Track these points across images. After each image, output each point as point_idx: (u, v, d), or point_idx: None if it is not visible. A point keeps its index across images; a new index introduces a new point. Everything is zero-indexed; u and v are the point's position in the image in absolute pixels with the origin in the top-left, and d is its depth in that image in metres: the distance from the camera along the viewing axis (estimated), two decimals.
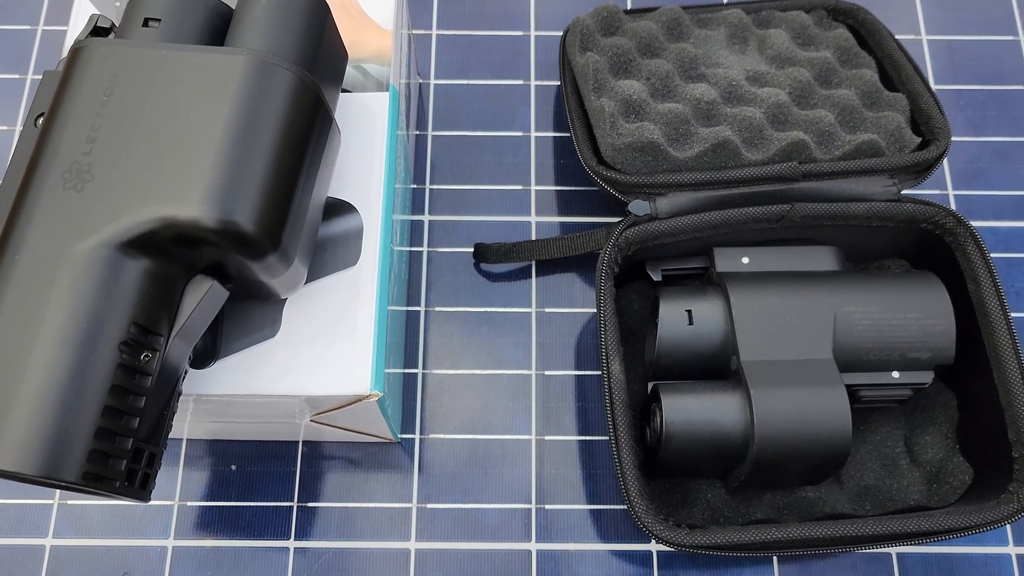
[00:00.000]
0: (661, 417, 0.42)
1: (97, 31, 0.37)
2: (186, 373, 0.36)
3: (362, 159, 0.42)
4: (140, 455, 0.33)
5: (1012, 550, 0.49)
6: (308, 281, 0.40)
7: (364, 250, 0.41)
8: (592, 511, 0.49)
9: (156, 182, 0.32)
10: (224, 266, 0.34)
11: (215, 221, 0.32)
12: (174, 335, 0.33)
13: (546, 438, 0.51)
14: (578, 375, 0.52)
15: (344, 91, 0.43)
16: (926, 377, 0.45)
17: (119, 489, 0.32)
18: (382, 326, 0.40)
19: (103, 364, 0.31)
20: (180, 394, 0.35)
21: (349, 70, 0.44)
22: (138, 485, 0.33)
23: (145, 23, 0.36)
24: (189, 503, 0.49)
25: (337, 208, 0.41)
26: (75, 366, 0.30)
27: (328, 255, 0.40)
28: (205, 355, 0.39)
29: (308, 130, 0.35)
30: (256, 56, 0.34)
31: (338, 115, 0.42)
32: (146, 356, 0.32)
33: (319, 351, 0.39)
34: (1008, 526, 0.49)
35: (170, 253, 0.33)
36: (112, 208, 0.32)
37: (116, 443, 0.31)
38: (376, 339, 0.39)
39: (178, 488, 0.49)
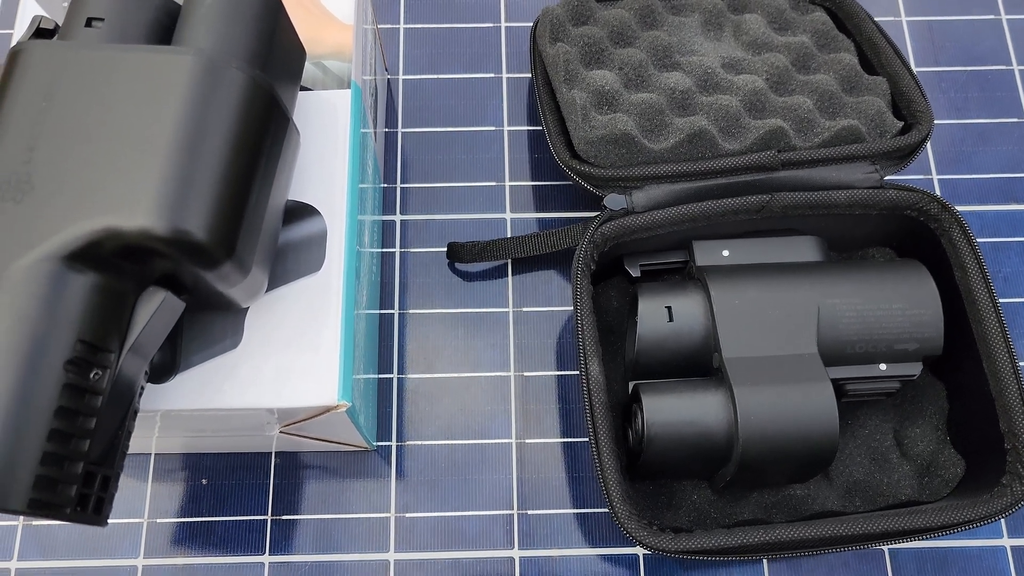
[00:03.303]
0: (642, 418, 0.41)
1: (40, 33, 0.35)
2: (143, 389, 0.34)
3: (324, 159, 0.40)
4: (92, 479, 0.31)
5: (1007, 542, 0.47)
6: (270, 289, 0.38)
7: (328, 254, 0.39)
8: (576, 515, 0.48)
9: (100, 191, 0.30)
10: (178, 277, 0.33)
11: (164, 230, 0.30)
12: (126, 351, 0.32)
13: (527, 441, 0.49)
14: (558, 375, 0.50)
15: (304, 89, 0.42)
16: (914, 369, 0.43)
17: (70, 516, 0.30)
18: (349, 333, 0.38)
19: (47, 385, 0.29)
20: (137, 412, 0.33)
21: (308, 67, 0.42)
22: (91, 510, 0.31)
23: (88, 23, 0.34)
24: (159, 520, 0.47)
25: (298, 212, 0.39)
26: (17, 388, 0.29)
27: (290, 261, 0.39)
28: (164, 369, 0.37)
29: (262, 132, 0.34)
30: (203, 55, 0.32)
31: (298, 115, 0.41)
32: (96, 374, 0.31)
33: (284, 361, 0.37)
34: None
35: (117, 266, 0.31)
36: (54, 220, 0.30)
37: (65, 468, 0.30)
38: (343, 346, 0.38)
39: (147, 505, 0.48)
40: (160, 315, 0.32)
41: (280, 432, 0.43)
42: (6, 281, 0.29)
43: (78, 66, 0.32)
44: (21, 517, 0.47)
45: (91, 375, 0.30)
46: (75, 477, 0.30)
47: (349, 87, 0.42)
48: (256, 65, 0.34)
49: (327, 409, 0.37)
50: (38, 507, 0.29)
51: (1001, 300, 0.52)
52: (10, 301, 0.29)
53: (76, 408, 0.30)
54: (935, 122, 0.56)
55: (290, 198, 0.39)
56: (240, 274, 0.33)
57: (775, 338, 0.42)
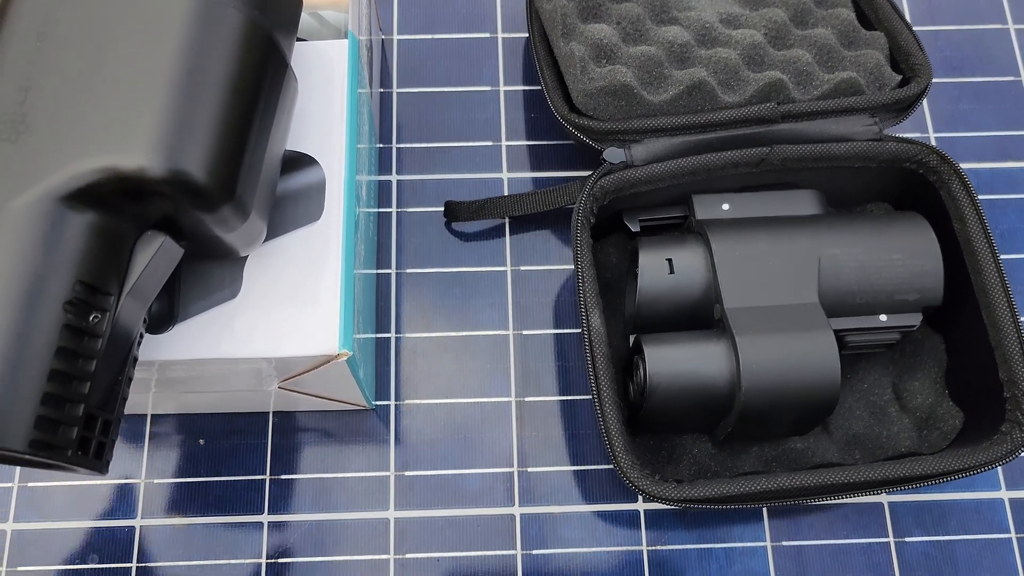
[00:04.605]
0: (644, 369, 0.41)
1: None
2: (141, 337, 0.33)
3: (322, 111, 0.40)
4: (93, 422, 0.31)
5: (1004, 494, 0.48)
6: (269, 238, 0.38)
7: (328, 205, 0.39)
8: (576, 472, 0.48)
9: (97, 130, 0.30)
10: (177, 220, 0.32)
11: (163, 170, 0.30)
12: (125, 294, 0.31)
13: (526, 399, 0.49)
14: (557, 334, 0.50)
15: (299, 39, 0.41)
16: (914, 319, 0.43)
17: (71, 458, 0.30)
18: (349, 283, 0.38)
19: (47, 325, 0.29)
20: (136, 359, 0.33)
21: (305, 18, 0.42)
22: (92, 454, 0.31)
23: None
24: (156, 481, 0.47)
25: (297, 161, 0.39)
26: (16, 327, 0.28)
27: (289, 210, 0.38)
28: (162, 319, 0.37)
29: (260, 74, 0.33)
30: None
31: (295, 65, 0.40)
32: (95, 317, 0.30)
33: (284, 311, 0.37)
34: (1000, 471, 0.48)
35: (116, 206, 0.30)
36: (51, 159, 0.30)
37: (66, 409, 0.29)
38: (343, 296, 0.37)
39: (144, 466, 0.47)
40: (158, 259, 0.32)
41: (278, 387, 0.42)
42: (3, 221, 0.29)
43: (72, 5, 0.32)
44: (16, 477, 0.47)
45: (90, 317, 0.30)
46: (76, 419, 0.30)
47: (346, 37, 0.41)
48: (254, 7, 0.34)
49: (328, 359, 0.37)
50: (39, 447, 0.28)
51: (1000, 256, 0.52)
52: (8, 241, 0.29)
53: (75, 349, 0.29)
54: (932, 80, 0.56)
55: (289, 148, 0.39)
56: (239, 218, 0.33)
57: (776, 288, 0.42)
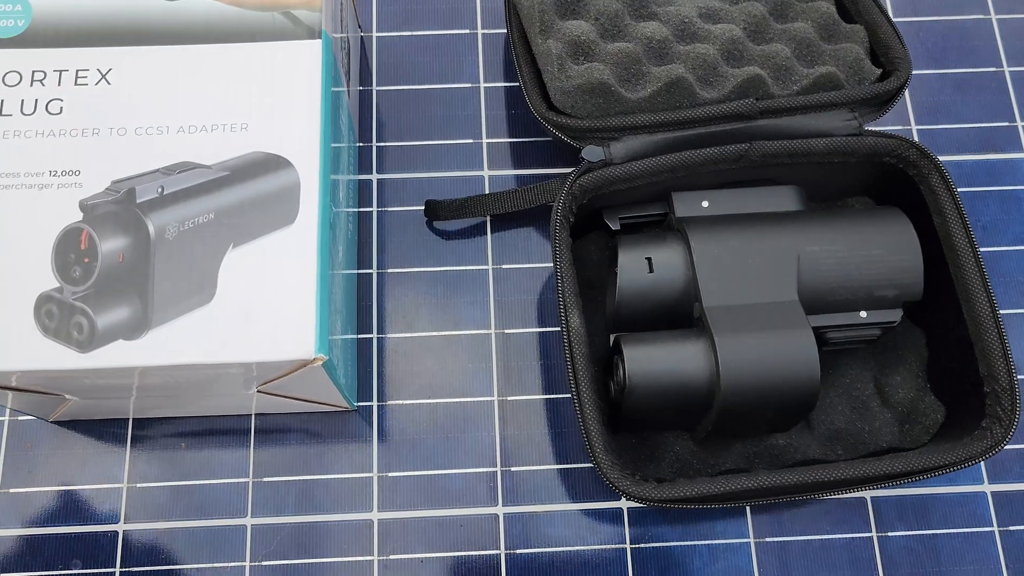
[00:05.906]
0: (623, 369, 0.41)
1: None
2: None
3: (296, 112, 0.40)
4: None
5: (987, 488, 0.48)
6: (243, 241, 0.37)
7: (303, 207, 0.38)
8: (559, 471, 0.48)
9: None
10: None
11: None
12: None
13: (509, 398, 0.49)
14: (539, 332, 0.50)
15: (274, 40, 0.41)
16: (895, 315, 0.43)
17: None
18: (324, 287, 0.38)
19: None
20: None
21: (278, 17, 0.41)
22: None
23: None
24: (139, 485, 0.47)
25: (271, 163, 0.39)
26: None
27: (264, 213, 0.38)
28: (136, 324, 0.36)
29: None
30: None
31: (267, 66, 0.40)
32: None
33: (259, 316, 0.37)
34: (982, 464, 0.48)
35: None
36: None
37: None
38: (319, 300, 0.37)
39: (126, 470, 0.47)
40: None
41: (258, 391, 0.42)
42: None
43: None
44: None
45: None
46: None
47: (319, 38, 0.41)
48: None
49: (304, 363, 0.37)
50: None
51: (981, 249, 0.52)
52: None
53: None
54: (914, 72, 0.56)
55: (264, 150, 0.39)
56: None
57: (755, 286, 0.42)
